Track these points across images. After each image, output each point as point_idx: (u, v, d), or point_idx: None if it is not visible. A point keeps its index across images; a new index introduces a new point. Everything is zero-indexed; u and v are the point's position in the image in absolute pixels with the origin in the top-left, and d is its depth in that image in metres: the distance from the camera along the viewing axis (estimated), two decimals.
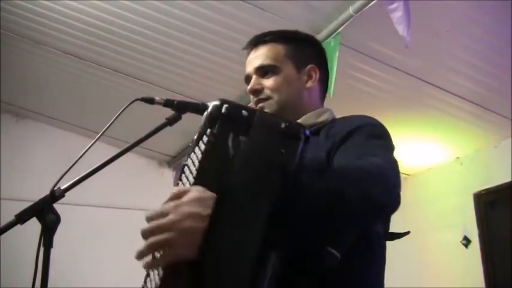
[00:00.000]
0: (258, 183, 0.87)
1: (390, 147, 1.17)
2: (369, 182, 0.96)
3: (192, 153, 0.97)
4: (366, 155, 1.06)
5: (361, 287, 1.14)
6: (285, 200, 0.87)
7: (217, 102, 0.96)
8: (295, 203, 0.88)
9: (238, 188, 0.87)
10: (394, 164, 1.09)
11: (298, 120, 1.32)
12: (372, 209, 0.96)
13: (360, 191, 0.93)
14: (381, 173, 1.00)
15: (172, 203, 0.88)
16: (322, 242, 0.97)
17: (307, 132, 0.95)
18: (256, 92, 1.36)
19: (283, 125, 0.93)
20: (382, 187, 0.97)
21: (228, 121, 0.93)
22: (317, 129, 1.27)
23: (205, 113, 0.98)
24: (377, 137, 1.16)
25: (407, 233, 1.28)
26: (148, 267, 0.88)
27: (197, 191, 0.89)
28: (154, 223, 0.86)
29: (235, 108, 0.94)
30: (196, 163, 0.94)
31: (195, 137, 1.00)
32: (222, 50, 3.46)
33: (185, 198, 0.87)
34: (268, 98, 1.34)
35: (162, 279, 0.88)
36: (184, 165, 0.99)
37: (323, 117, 1.34)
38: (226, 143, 0.91)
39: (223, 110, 0.93)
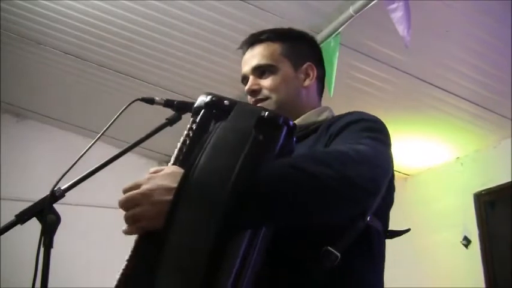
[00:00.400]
0: (227, 163, 0.87)
1: (383, 141, 1.14)
2: (344, 162, 0.94)
3: (178, 143, 1.01)
4: (353, 144, 1.04)
5: (360, 285, 1.14)
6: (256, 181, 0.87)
7: (202, 95, 1.03)
8: (264, 182, 0.87)
9: (206, 165, 0.88)
10: (380, 152, 1.07)
11: (298, 119, 1.32)
12: (345, 190, 0.93)
13: (333, 169, 0.91)
14: (361, 156, 0.98)
15: (147, 176, 0.94)
16: (297, 220, 0.95)
17: (291, 123, 0.95)
18: (254, 92, 1.35)
19: (263, 113, 0.94)
20: (358, 169, 0.95)
21: (211, 109, 1.00)
22: (316, 127, 1.27)
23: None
24: (370, 130, 1.14)
25: (408, 230, 1.28)
26: (125, 233, 0.93)
27: (169, 168, 0.95)
28: (128, 194, 0.93)
29: (218, 98, 1.01)
30: (178, 147, 1.00)
31: None
32: (222, 50, 3.46)
33: (158, 174, 0.94)
34: (266, 98, 1.34)
35: (134, 247, 0.93)
36: None
37: (323, 116, 1.34)
38: (208, 129, 0.96)
39: (206, 100, 1.01)
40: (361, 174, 0.95)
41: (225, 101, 1.00)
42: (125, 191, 0.94)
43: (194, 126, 0.99)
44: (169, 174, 0.92)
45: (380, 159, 1.05)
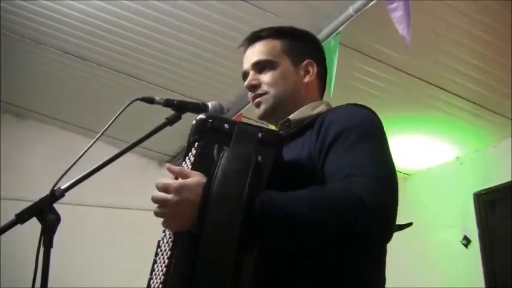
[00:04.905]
0: (235, 188, 1.01)
1: (381, 149, 1.15)
2: (348, 215, 1.00)
3: (183, 163, 1.14)
4: (354, 171, 1.05)
5: (360, 280, 1.14)
6: (261, 212, 0.98)
7: (203, 116, 1.12)
8: (271, 218, 0.99)
9: (218, 192, 1.01)
10: (383, 175, 1.08)
11: (293, 113, 1.33)
12: (351, 239, 1.04)
13: (337, 223, 1.01)
14: (361, 202, 1.00)
15: (177, 183, 1.04)
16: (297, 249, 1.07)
17: (282, 138, 1.11)
18: (253, 87, 1.37)
19: (259, 135, 1.08)
20: (360, 219, 1.00)
21: (213, 133, 1.10)
22: (312, 121, 1.26)
23: (192, 125, 1.13)
24: (367, 139, 1.14)
25: (410, 224, 1.27)
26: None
27: (195, 179, 1.05)
28: (160, 196, 1.05)
29: (218, 121, 1.10)
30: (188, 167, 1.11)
31: (186, 144, 1.16)
32: (222, 49, 3.46)
33: (187, 184, 1.04)
34: (265, 93, 1.36)
35: (171, 247, 1.08)
36: None
37: (318, 110, 1.33)
38: (212, 152, 1.08)
39: (208, 124, 1.10)
40: (364, 221, 1.01)
41: (225, 125, 1.10)
42: (158, 188, 1.06)
43: (200, 150, 1.09)
44: (195, 187, 1.03)
45: (384, 187, 1.05)
